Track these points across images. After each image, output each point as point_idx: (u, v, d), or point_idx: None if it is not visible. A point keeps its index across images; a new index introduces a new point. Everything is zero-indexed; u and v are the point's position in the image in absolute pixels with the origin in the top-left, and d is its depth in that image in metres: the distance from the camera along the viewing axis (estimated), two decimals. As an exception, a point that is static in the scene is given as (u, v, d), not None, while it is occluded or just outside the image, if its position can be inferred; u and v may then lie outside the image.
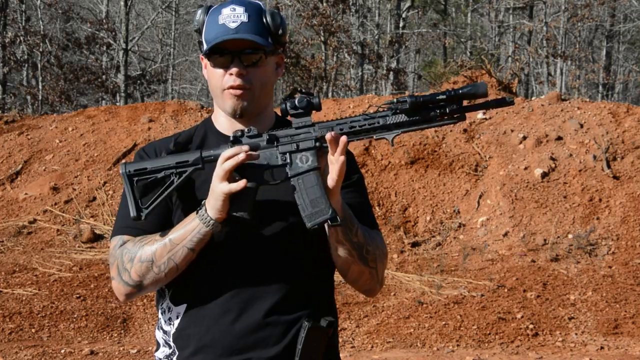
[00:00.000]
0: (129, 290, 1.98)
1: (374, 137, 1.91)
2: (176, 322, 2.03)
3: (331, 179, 1.88)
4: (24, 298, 7.28)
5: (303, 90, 1.93)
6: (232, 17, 1.97)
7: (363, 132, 1.90)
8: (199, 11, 2.04)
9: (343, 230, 1.93)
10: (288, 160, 1.90)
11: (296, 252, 2.00)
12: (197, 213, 1.91)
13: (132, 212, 1.94)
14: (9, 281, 7.77)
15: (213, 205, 1.88)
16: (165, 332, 2.05)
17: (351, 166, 2.08)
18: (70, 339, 6.55)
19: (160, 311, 2.08)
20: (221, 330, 1.97)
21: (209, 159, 1.94)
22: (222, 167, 1.86)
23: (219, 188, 1.87)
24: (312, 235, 1.95)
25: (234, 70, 1.97)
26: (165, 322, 2.05)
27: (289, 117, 1.97)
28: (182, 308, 2.02)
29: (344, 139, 1.84)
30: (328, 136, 1.84)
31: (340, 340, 6.63)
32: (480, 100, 1.98)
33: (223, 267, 1.97)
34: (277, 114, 2.16)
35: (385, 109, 1.91)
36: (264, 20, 2.00)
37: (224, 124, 2.09)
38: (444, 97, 1.87)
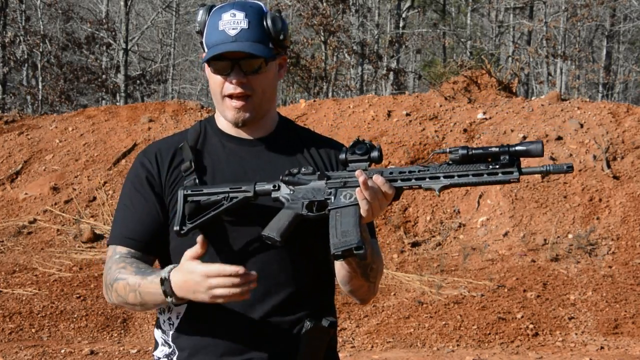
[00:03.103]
0: (112, 303, 2.04)
1: (422, 185, 1.86)
2: (176, 322, 2.02)
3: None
4: (24, 298, 7.28)
5: (365, 141, 1.93)
6: (232, 23, 1.95)
7: (413, 180, 1.87)
8: (201, 11, 2.01)
9: None
10: (333, 194, 1.92)
11: (299, 255, 2.00)
12: (162, 287, 1.88)
13: (176, 226, 1.96)
14: (9, 281, 7.77)
15: (185, 292, 1.85)
16: (164, 331, 2.04)
17: None
18: (70, 339, 6.55)
19: (158, 310, 2.07)
20: (222, 331, 1.97)
21: (261, 189, 1.96)
22: (214, 281, 1.80)
23: (203, 293, 1.82)
24: (315, 240, 1.95)
25: (234, 79, 1.95)
26: (164, 321, 2.05)
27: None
28: (183, 308, 2.01)
29: (362, 178, 1.83)
30: (357, 172, 1.86)
31: (340, 340, 6.63)
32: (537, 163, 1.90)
33: None
34: (280, 114, 2.15)
35: (433, 161, 1.90)
36: (265, 25, 1.97)
37: (226, 124, 2.07)
38: (497, 150, 1.81)
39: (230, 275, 1.79)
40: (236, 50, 1.93)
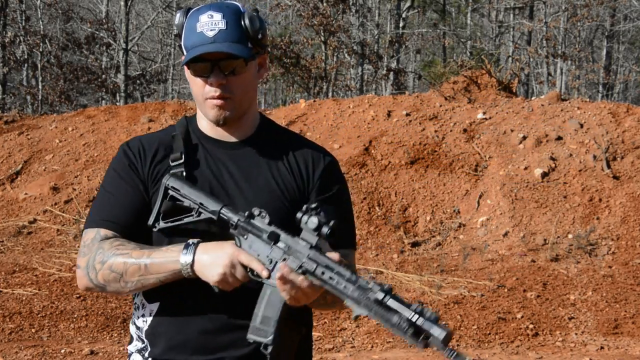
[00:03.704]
0: (91, 286, 1.99)
1: (345, 301, 1.79)
2: (149, 319, 2.03)
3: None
4: (24, 298, 7.28)
5: (320, 211, 1.86)
6: (210, 24, 1.94)
7: (337, 291, 1.79)
8: (178, 14, 2.02)
9: (311, 302, 1.89)
10: (272, 266, 1.87)
11: None
12: (182, 264, 1.89)
13: (151, 220, 1.98)
14: (9, 281, 7.77)
15: (208, 273, 1.87)
16: (138, 327, 2.06)
17: (332, 176, 2.08)
18: (70, 339, 6.54)
19: (134, 306, 2.09)
20: (193, 330, 1.98)
21: (224, 218, 1.93)
22: (236, 269, 1.86)
23: (215, 269, 1.86)
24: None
25: (213, 80, 1.95)
26: (138, 317, 2.06)
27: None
28: (156, 306, 2.02)
29: (280, 273, 1.80)
30: (281, 264, 1.82)
31: (340, 340, 6.63)
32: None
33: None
34: (261, 114, 2.14)
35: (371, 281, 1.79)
36: (243, 24, 1.96)
37: (207, 126, 2.07)
38: (407, 314, 1.72)
39: (250, 269, 1.85)
40: (214, 51, 1.92)
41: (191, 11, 2.00)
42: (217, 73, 1.95)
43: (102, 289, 1.98)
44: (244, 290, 1.96)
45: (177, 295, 1.99)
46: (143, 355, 2.05)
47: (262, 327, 1.86)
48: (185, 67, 1.99)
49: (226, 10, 1.97)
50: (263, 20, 2.02)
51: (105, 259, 1.95)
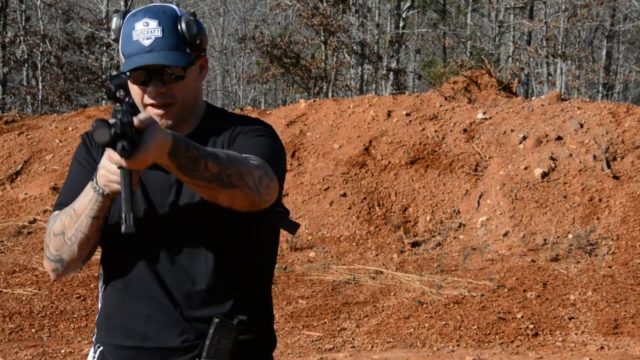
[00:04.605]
0: (53, 266, 1.98)
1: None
2: (100, 306, 2.09)
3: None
4: (24, 298, 7.28)
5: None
6: (146, 32, 1.92)
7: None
8: (115, 18, 2.00)
9: (188, 174, 1.76)
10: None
11: (212, 247, 1.97)
12: (91, 183, 1.88)
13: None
14: (9, 281, 7.77)
15: (100, 180, 1.85)
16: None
17: (246, 126, 2.02)
18: (70, 339, 6.54)
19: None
20: (127, 316, 1.99)
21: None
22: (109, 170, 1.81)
23: (104, 174, 1.84)
24: (230, 229, 1.95)
25: (152, 89, 1.93)
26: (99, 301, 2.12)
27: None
28: (102, 289, 2.07)
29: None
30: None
31: (340, 340, 6.63)
32: None
33: (133, 257, 1.98)
34: (208, 105, 2.11)
35: None
36: (180, 30, 1.94)
37: None
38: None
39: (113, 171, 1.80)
40: (151, 63, 1.90)
41: (127, 16, 1.98)
42: (155, 82, 1.93)
43: (61, 262, 1.96)
44: (182, 281, 1.96)
45: (118, 282, 2.01)
46: (93, 342, 2.10)
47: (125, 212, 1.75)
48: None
49: (162, 16, 1.94)
50: (201, 24, 1.99)
51: (50, 229, 1.97)
